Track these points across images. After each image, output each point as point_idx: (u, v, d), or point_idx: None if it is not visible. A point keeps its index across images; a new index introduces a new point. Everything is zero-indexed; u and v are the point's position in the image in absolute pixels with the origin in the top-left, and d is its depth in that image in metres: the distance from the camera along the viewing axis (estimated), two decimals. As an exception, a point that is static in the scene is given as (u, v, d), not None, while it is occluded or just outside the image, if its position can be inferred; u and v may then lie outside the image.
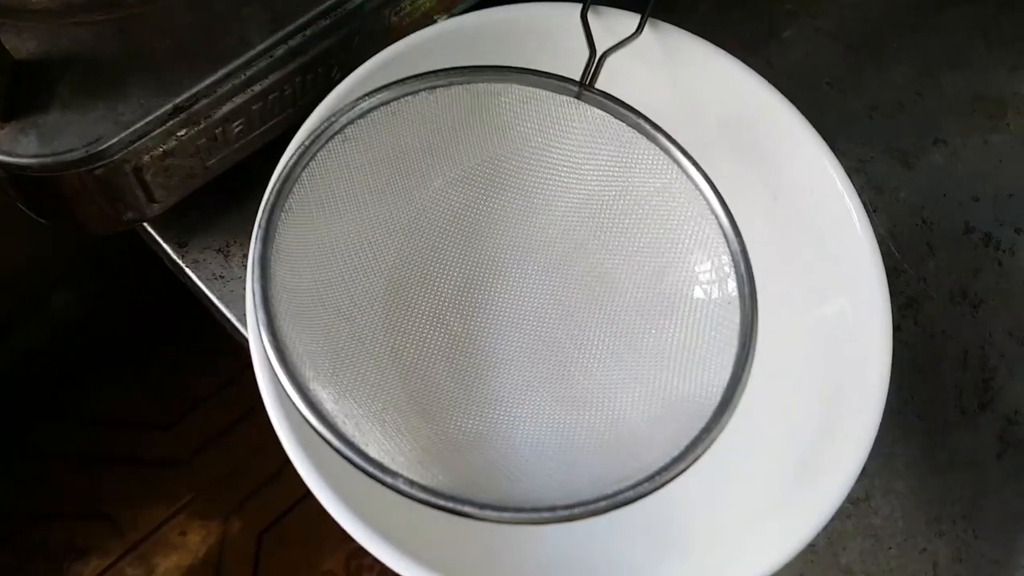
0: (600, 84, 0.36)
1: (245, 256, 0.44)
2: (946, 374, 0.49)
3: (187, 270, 0.43)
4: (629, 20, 0.39)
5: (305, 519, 0.88)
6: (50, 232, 0.65)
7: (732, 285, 0.32)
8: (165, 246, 0.44)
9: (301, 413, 0.28)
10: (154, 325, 0.85)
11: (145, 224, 0.44)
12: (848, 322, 0.37)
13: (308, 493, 0.92)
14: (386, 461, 0.28)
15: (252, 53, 0.38)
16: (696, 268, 0.36)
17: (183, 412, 0.88)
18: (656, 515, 0.36)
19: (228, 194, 0.45)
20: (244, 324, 0.43)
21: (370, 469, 0.27)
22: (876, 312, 0.36)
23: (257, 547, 0.87)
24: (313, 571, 0.87)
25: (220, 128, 0.39)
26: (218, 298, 0.43)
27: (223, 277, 0.44)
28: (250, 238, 0.44)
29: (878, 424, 0.35)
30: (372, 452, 0.28)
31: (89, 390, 0.85)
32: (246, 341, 0.43)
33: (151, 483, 0.86)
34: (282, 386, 0.28)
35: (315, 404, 0.28)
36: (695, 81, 0.40)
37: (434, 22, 0.40)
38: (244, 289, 0.43)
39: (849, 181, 0.38)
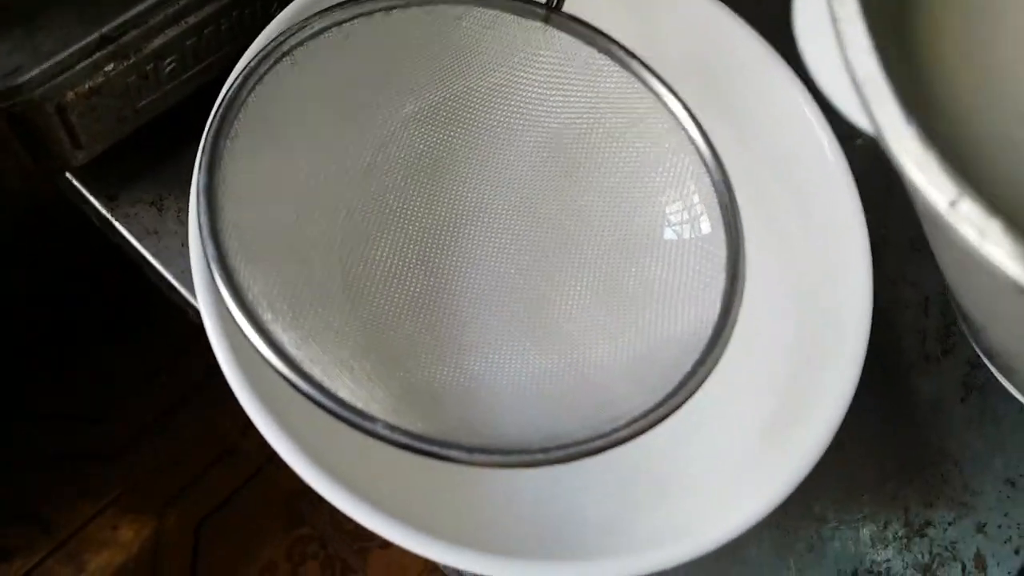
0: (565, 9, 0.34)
1: (180, 211, 0.41)
2: (908, 321, 0.48)
3: (117, 225, 0.40)
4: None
5: (243, 509, 0.85)
6: None
7: (716, 216, 0.31)
8: (92, 200, 0.40)
9: (263, 355, 0.25)
10: (76, 313, 0.81)
11: (69, 176, 0.40)
12: (825, 264, 0.36)
13: (245, 482, 0.88)
14: (359, 404, 0.26)
15: (185, -21, 0.35)
16: (676, 202, 0.34)
17: (110, 404, 0.84)
18: (635, 463, 0.34)
19: (160, 144, 0.41)
20: (182, 283, 0.40)
21: (345, 414, 0.25)
22: (854, 255, 0.35)
23: (195, 540, 0.84)
24: (254, 562, 0.84)
25: (151, 65, 0.36)
26: (152, 255, 0.40)
27: (156, 232, 0.40)
28: (186, 192, 0.41)
29: (858, 374, 0.34)
30: (344, 395, 0.25)
31: (10, 384, 0.81)
32: (184, 303, 0.40)
33: (78, 479, 0.82)
34: (238, 327, 0.25)
35: (278, 346, 0.25)
36: (659, 11, 0.38)
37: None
38: (181, 245, 0.40)
39: (823, 116, 0.37)
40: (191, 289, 0.39)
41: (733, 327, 0.29)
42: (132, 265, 0.41)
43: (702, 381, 0.27)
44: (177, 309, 0.41)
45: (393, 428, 0.25)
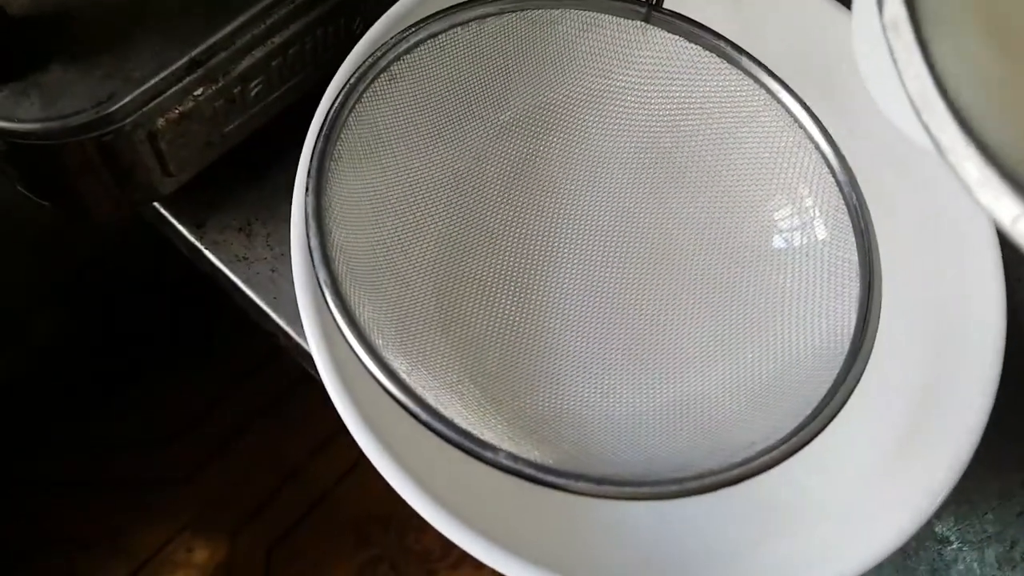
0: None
1: (269, 235, 0.40)
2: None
3: (206, 253, 0.39)
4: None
5: (314, 532, 0.85)
6: (30, 252, 0.61)
7: (844, 218, 0.29)
8: (181, 228, 0.39)
9: (380, 383, 0.23)
10: (143, 342, 0.82)
11: (157, 205, 0.39)
12: (956, 265, 0.33)
13: (314, 505, 0.88)
14: (475, 431, 0.24)
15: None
16: (796, 205, 0.32)
17: (178, 430, 0.85)
18: (759, 489, 0.32)
19: (245, 168, 0.41)
20: (274, 309, 0.39)
21: (467, 444, 0.23)
22: (987, 257, 0.32)
23: (267, 562, 0.84)
24: (327, 584, 0.84)
25: (238, 88, 0.35)
26: (243, 281, 0.39)
27: (246, 259, 0.39)
28: (273, 215, 0.41)
29: (995, 391, 0.32)
30: (462, 423, 0.24)
31: (80, 413, 0.82)
32: (276, 328, 0.39)
33: (152, 504, 0.83)
34: (356, 356, 0.24)
35: (396, 376, 0.24)
36: (761, 4, 0.36)
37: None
38: (271, 271, 0.39)
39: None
40: (283, 315, 0.38)
41: (873, 339, 0.26)
42: (219, 291, 0.41)
43: (844, 402, 0.25)
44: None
45: (516, 459, 0.23)
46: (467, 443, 0.23)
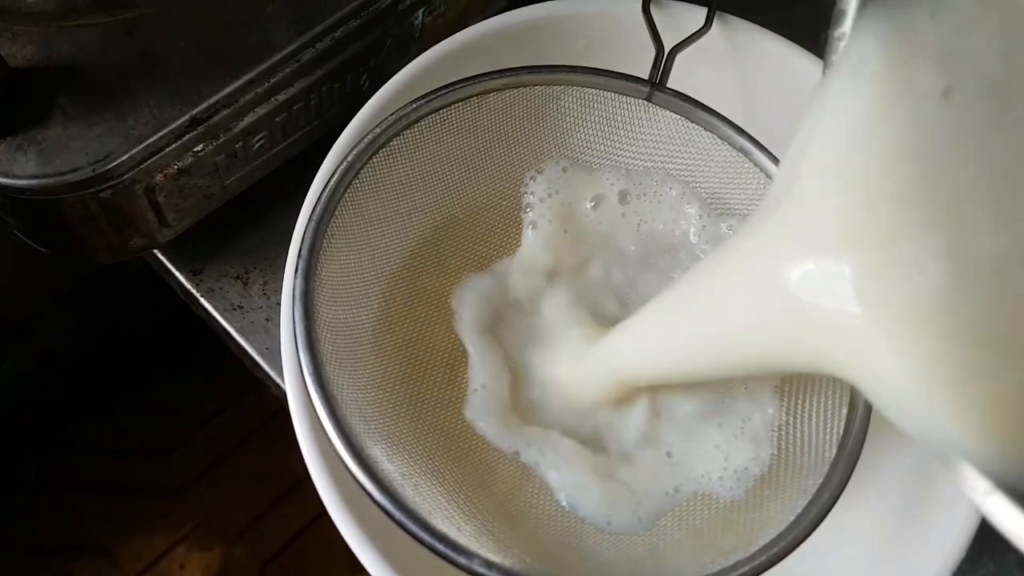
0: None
1: (266, 284, 0.40)
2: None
3: (202, 300, 0.39)
4: (693, 14, 0.35)
5: (309, 549, 0.85)
6: (35, 258, 0.62)
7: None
8: (177, 274, 0.39)
9: (358, 481, 0.23)
10: (145, 351, 0.82)
11: (155, 251, 0.39)
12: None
13: (311, 522, 0.87)
14: (452, 533, 0.24)
15: (277, 57, 0.34)
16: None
17: (179, 440, 0.85)
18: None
19: (245, 216, 0.40)
20: (266, 360, 0.39)
21: (439, 547, 0.23)
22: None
23: (261, 579, 0.84)
24: (319, 602, 0.83)
25: (240, 143, 0.35)
26: (237, 331, 0.39)
27: (241, 307, 0.39)
28: (271, 264, 0.40)
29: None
30: (438, 523, 0.24)
31: (80, 419, 0.82)
32: (268, 379, 0.39)
33: (148, 513, 0.83)
34: (333, 447, 0.24)
35: (371, 468, 0.23)
36: (764, 79, 0.36)
37: (465, 25, 0.36)
38: (266, 321, 0.39)
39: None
40: (275, 367, 0.38)
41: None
42: (213, 343, 0.41)
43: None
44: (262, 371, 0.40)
45: (491, 565, 0.23)
46: (440, 546, 0.23)
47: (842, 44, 0.22)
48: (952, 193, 0.20)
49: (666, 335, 0.27)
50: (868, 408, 0.27)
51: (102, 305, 0.76)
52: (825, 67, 0.23)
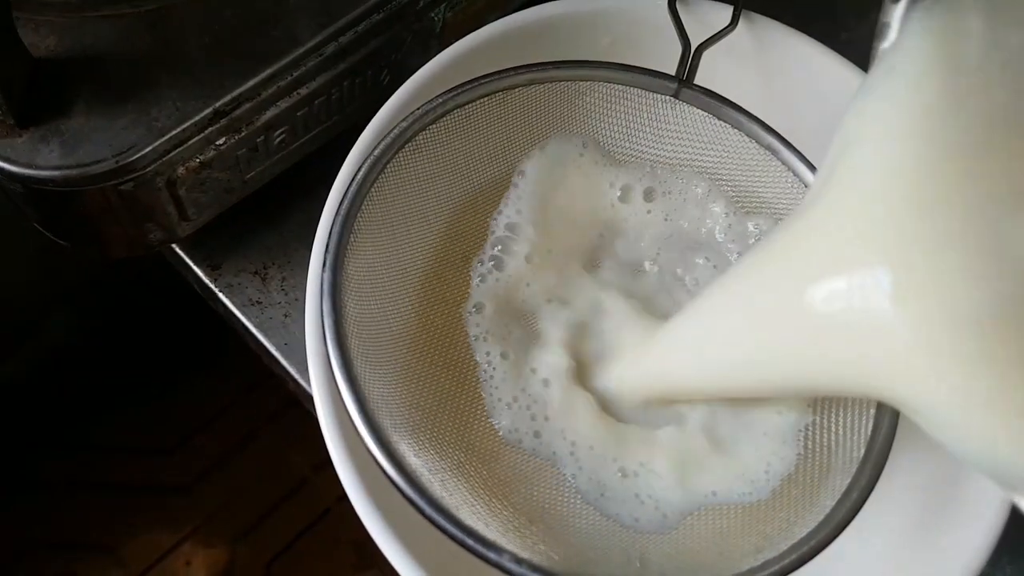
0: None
1: (284, 279, 0.40)
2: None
3: (220, 295, 0.39)
4: (719, 11, 0.35)
5: (314, 547, 0.84)
6: (41, 255, 0.61)
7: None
8: (196, 269, 0.39)
9: (388, 476, 0.23)
10: (151, 349, 0.82)
11: (173, 245, 0.39)
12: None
13: (316, 521, 0.87)
14: (480, 528, 0.24)
15: (300, 51, 0.33)
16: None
17: (184, 437, 0.85)
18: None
19: (264, 211, 0.40)
20: (284, 355, 0.39)
21: (470, 542, 0.23)
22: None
23: (267, 576, 0.83)
24: (324, 602, 0.83)
25: (262, 137, 0.35)
26: (255, 326, 0.38)
27: (260, 303, 0.39)
28: (291, 259, 0.40)
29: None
30: (466, 518, 0.23)
31: (87, 416, 0.82)
32: (286, 374, 0.39)
33: (153, 511, 0.83)
34: (362, 441, 0.23)
35: (400, 462, 0.23)
36: (790, 77, 0.36)
37: (487, 21, 0.35)
38: (284, 316, 0.39)
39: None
40: (293, 363, 0.38)
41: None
42: (232, 332, 0.40)
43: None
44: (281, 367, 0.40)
45: (520, 560, 0.23)
46: (469, 541, 0.23)
47: (884, 52, 0.22)
48: (995, 199, 0.19)
49: (697, 357, 0.27)
50: (895, 410, 0.27)
51: (107, 304, 0.76)
52: (868, 76, 0.23)
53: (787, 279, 0.23)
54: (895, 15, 0.22)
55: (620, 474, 0.28)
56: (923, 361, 0.19)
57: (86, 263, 0.69)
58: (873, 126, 0.21)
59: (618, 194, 0.33)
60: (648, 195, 0.33)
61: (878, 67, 0.22)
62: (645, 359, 0.29)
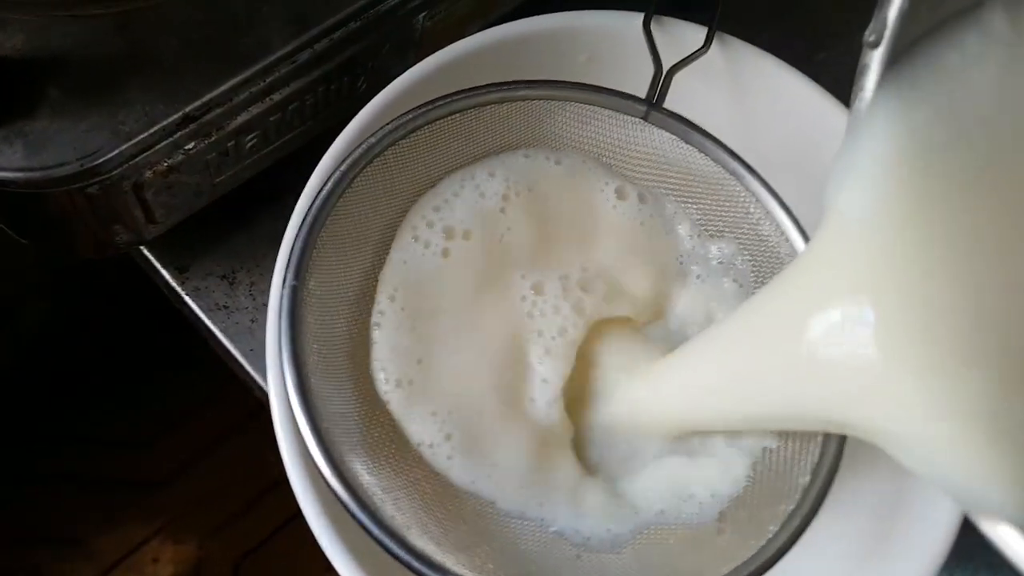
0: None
1: (252, 284, 0.39)
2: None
3: (187, 299, 0.39)
4: (695, 32, 0.35)
5: (284, 548, 0.84)
6: (14, 248, 0.61)
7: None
8: (163, 272, 0.39)
9: (337, 496, 0.23)
10: (128, 340, 0.81)
11: (141, 247, 0.39)
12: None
13: (287, 521, 0.86)
14: (429, 549, 0.24)
15: (273, 57, 0.33)
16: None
17: (159, 432, 0.84)
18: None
19: (233, 215, 0.40)
20: (249, 361, 0.38)
21: (415, 564, 0.23)
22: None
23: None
24: (291, 602, 0.83)
25: (232, 141, 0.35)
26: (221, 331, 0.38)
27: (227, 307, 0.39)
28: (259, 264, 0.40)
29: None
30: (415, 537, 0.23)
31: (60, 408, 0.81)
32: (251, 381, 0.39)
33: (125, 505, 0.82)
34: (312, 459, 0.23)
35: (351, 482, 0.23)
36: (761, 100, 0.36)
37: (466, 32, 0.35)
38: (251, 322, 0.39)
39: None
40: (258, 369, 0.38)
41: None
42: (197, 336, 0.40)
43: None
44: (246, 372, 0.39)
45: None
46: (415, 563, 0.23)
47: (866, 97, 0.22)
48: (978, 239, 0.20)
49: (684, 394, 0.28)
50: (842, 437, 0.27)
51: (82, 296, 0.75)
52: (850, 120, 0.23)
53: (786, 315, 0.24)
54: (875, 58, 0.22)
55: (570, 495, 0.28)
56: (895, 391, 0.20)
57: (59, 257, 0.68)
58: (856, 179, 0.22)
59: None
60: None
61: (860, 114, 0.22)
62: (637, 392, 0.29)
